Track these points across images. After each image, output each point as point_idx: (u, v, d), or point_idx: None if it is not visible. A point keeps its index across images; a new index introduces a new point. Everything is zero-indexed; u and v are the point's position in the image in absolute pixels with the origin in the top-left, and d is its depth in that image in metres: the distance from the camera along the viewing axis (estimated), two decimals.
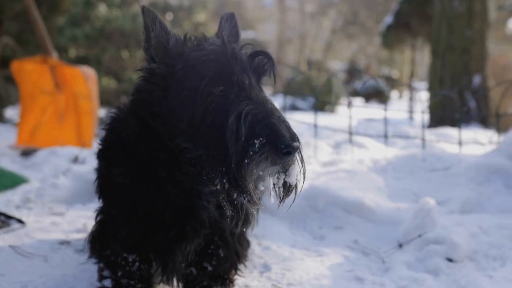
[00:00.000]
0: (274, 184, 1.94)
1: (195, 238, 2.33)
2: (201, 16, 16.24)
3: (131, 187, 2.24)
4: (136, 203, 2.25)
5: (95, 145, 5.99)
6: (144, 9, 2.06)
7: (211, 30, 17.05)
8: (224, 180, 1.88)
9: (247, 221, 2.03)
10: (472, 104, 9.71)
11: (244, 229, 2.06)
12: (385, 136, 4.90)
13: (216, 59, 1.98)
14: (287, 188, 1.97)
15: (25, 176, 4.55)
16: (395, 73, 34.86)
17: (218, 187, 1.95)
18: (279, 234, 3.46)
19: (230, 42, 2.07)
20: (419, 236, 3.22)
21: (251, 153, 1.81)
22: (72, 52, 13.90)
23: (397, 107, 21.51)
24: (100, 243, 2.47)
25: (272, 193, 1.94)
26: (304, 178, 2.00)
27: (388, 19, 19.27)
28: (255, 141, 1.81)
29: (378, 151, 4.75)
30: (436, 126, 9.69)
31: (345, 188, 3.74)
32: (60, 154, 4.89)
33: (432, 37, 10.82)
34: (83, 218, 3.68)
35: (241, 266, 2.58)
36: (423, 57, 28.75)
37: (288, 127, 1.87)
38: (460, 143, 4.79)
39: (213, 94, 1.94)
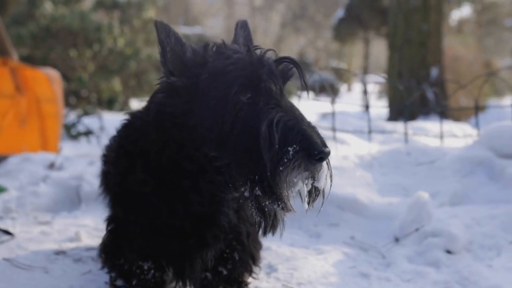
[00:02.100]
0: (304, 190, 1.96)
1: (215, 244, 2.32)
2: (151, 13, 16.08)
3: (151, 195, 2.21)
4: (156, 211, 2.23)
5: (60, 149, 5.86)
6: (157, 24, 2.04)
7: None
8: (257, 188, 1.89)
9: (274, 226, 2.03)
10: (430, 95, 9.92)
11: (272, 234, 2.05)
12: (369, 132, 4.96)
13: (243, 67, 1.97)
14: (316, 193, 2.00)
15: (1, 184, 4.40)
16: (343, 66, 35.34)
17: (246, 194, 1.95)
18: (276, 233, 3.46)
19: (255, 49, 2.06)
20: (417, 230, 3.28)
21: (285, 160, 1.83)
22: (17, 52, 13.58)
23: (348, 100, 21.81)
24: (113, 252, 2.43)
25: (304, 198, 1.96)
26: (331, 181, 2.02)
27: (340, 13, 19.56)
28: (289, 148, 1.83)
29: (361, 147, 4.81)
30: (396, 119, 9.88)
31: (337, 185, 3.76)
32: (34, 161, 4.75)
33: (389, 31, 11.01)
34: (73, 227, 3.59)
35: (255, 269, 2.58)
36: (373, 50, 29.23)
37: (318, 134, 1.91)
38: (441, 136, 4.89)
39: (241, 102, 1.94)
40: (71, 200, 4.16)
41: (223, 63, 1.99)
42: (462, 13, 31.90)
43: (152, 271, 2.37)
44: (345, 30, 19.62)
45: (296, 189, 1.92)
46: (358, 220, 3.63)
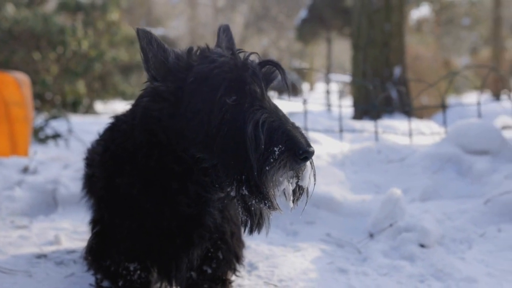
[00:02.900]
0: (289, 188, 2.02)
1: (201, 243, 2.37)
2: (115, 15, 15.96)
3: (138, 197, 2.25)
4: (143, 213, 2.27)
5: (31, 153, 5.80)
6: (139, 31, 2.08)
7: (124, 29, 16.79)
8: (244, 188, 1.94)
9: (260, 224, 2.09)
10: (394, 94, 10.11)
11: (257, 233, 2.11)
12: (340, 131, 5.06)
13: (228, 70, 2.02)
14: (300, 191, 2.06)
15: None
16: (306, 66, 35.54)
17: (232, 193, 2.01)
18: (262, 231, 3.52)
19: (239, 53, 2.12)
20: (391, 225, 3.38)
21: (271, 160, 1.89)
22: None
23: (311, 99, 21.95)
24: (99, 254, 2.45)
25: (289, 197, 2.02)
26: (315, 180, 2.09)
27: (303, 13, 19.68)
28: (275, 148, 1.89)
29: (332, 146, 4.89)
30: (361, 118, 10.03)
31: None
32: (6, 165, 4.71)
33: (353, 31, 11.16)
34: (51, 230, 3.60)
35: (239, 267, 2.63)
36: (335, 49, 29.47)
37: (302, 134, 1.96)
38: (410, 134, 5.02)
39: (227, 104, 1.99)
40: (47, 203, 4.15)
41: (208, 67, 2.04)
42: (420, 12, 32.38)
43: (138, 271, 2.40)
44: (308, 30, 19.78)
45: (282, 188, 1.98)
46: (333, 217, 3.71)
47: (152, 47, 2.09)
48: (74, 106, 14.97)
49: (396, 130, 5.81)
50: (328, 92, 20.16)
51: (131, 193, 2.25)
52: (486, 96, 22.64)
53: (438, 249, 3.20)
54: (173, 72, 2.10)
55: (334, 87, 26.29)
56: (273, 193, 1.94)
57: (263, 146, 1.90)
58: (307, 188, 2.07)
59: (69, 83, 14.10)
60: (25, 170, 4.69)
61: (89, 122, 12.19)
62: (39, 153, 5.99)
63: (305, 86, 34.67)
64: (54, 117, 8.39)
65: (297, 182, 2.02)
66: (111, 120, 2.45)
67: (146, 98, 2.16)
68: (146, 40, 2.08)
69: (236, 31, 34.78)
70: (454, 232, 3.42)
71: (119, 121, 2.39)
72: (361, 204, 3.75)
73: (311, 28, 19.57)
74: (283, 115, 2.02)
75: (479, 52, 33.24)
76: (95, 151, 2.55)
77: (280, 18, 31.96)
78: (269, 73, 2.13)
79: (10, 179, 4.39)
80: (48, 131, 8.09)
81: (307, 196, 2.09)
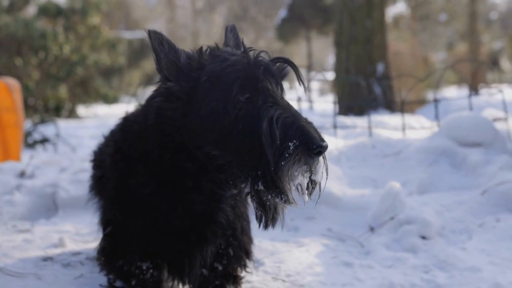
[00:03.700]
0: (304, 182, 2.05)
1: (214, 240, 2.40)
2: (95, 19, 15.91)
3: (151, 197, 2.27)
4: (156, 212, 2.29)
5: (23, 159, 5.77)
6: (150, 33, 2.10)
7: (105, 32, 16.74)
8: (260, 183, 1.97)
9: (274, 219, 2.11)
10: (378, 90, 10.20)
11: (272, 227, 2.15)
12: (334, 127, 5.12)
13: (241, 68, 2.05)
14: (313, 185, 2.08)
15: None
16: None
17: (247, 190, 2.05)
18: (255, 228, 3.56)
19: (250, 51, 2.15)
20: (392, 218, 3.44)
21: (286, 155, 1.92)
22: None
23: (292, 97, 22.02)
24: (112, 254, 2.46)
25: (303, 191, 2.06)
26: (327, 174, 2.11)
27: (283, 13, 19.73)
28: (289, 143, 1.92)
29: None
30: (346, 114, 10.10)
31: None
32: (3, 170, 4.69)
33: (335, 29, 11.22)
34: (54, 233, 3.60)
35: (249, 263, 2.67)
36: (315, 48, 29.58)
37: (315, 129, 2.00)
38: (404, 128, 5.09)
39: (240, 102, 2.01)
40: (47, 207, 4.16)
41: (221, 66, 2.07)
42: (397, 9, 32.60)
43: (151, 270, 2.42)
44: (288, 29, 19.87)
45: (296, 182, 2.01)
46: (333, 212, 3.76)
47: (163, 48, 2.11)
48: (56, 111, 14.89)
49: (387, 125, 5.88)
50: (308, 90, 20.23)
51: (143, 193, 2.27)
52: (465, 90, 22.86)
53: (439, 240, 3.27)
54: (185, 72, 2.12)
55: (315, 85, 26.40)
56: (288, 187, 1.97)
57: (278, 142, 1.92)
58: (320, 182, 2.10)
59: (52, 88, 14.03)
60: (22, 174, 4.69)
61: (73, 126, 12.15)
62: (29, 158, 5.98)
63: (285, 85, 34.62)
64: (42, 121, 8.35)
65: (310, 176, 2.04)
66: (120, 121, 2.47)
67: (158, 98, 2.17)
68: (158, 41, 2.10)
69: (215, 32, 34.81)
70: (453, 223, 3.49)
71: (129, 121, 2.41)
72: (360, 198, 3.80)
73: (291, 27, 19.65)
74: (296, 111, 2.05)
75: (455, 47, 33.58)
76: (104, 153, 2.57)
77: (259, 19, 32.00)
78: (280, 69, 2.16)
79: (8, 184, 4.38)
80: (36, 136, 8.06)
81: (320, 190, 2.12)
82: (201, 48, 2.21)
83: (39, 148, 7.94)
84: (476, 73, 22.50)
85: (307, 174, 2.04)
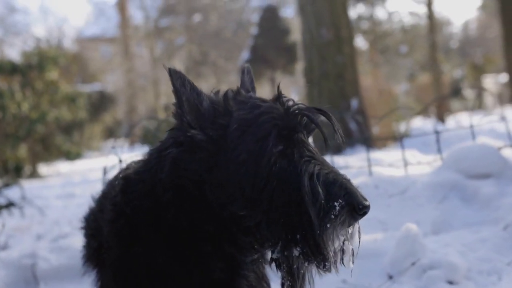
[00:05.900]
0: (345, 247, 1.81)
1: None
2: (53, 74, 15.47)
3: (163, 266, 1.93)
4: (170, 284, 1.94)
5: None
6: (171, 71, 1.82)
7: (63, 87, 16.30)
8: (298, 248, 1.70)
9: (303, 286, 1.83)
10: (353, 126, 9.92)
11: None
12: None
13: (277, 117, 1.78)
14: (352, 250, 1.84)
15: None
16: None
17: (274, 256, 1.78)
18: None
19: (282, 97, 1.87)
20: (413, 264, 3.11)
21: (331, 216, 1.67)
22: None
23: None
24: None
25: (343, 256, 1.81)
26: (360, 237, 1.86)
27: (245, 55, 19.65)
28: (335, 203, 1.68)
29: None
30: (322, 153, 9.79)
31: None
32: None
33: (305, 67, 10.97)
34: None
35: None
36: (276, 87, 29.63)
37: (356, 187, 1.79)
38: (405, 164, 4.78)
39: (275, 155, 1.74)
40: (26, 280, 3.71)
41: (253, 113, 1.79)
42: (357, 43, 33.11)
43: None
44: (252, 71, 19.77)
45: (337, 247, 1.75)
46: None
47: (185, 90, 1.83)
48: (16, 171, 14.28)
49: (381, 162, 5.57)
50: None
51: (155, 261, 1.93)
52: (432, 120, 23.06)
53: (467, 284, 2.98)
54: (210, 119, 1.83)
55: None
56: (332, 253, 1.71)
57: (323, 201, 1.67)
58: (355, 246, 1.84)
59: (11, 148, 13.50)
60: None
61: (37, 186, 11.64)
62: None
63: None
64: (6, 185, 7.84)
65: (344, 240, 1.77)
66: (118, 181, 2.11)
67: (174, 149, 1.85)
68: (180, 81, 1.82)
69: None
70: (479, 263, 3.17)
71: (131, 180, 2.04)
72: (373, 244, 3.46)
73: (255, 69, 19.50)
74: (333, 166, 1.81)
75: (416, 78, 34.06)
76: (99, 219, 2.21)
77: (220, 62, 31.97)
78: (313, 120, 1.87)
79: None
80: (1, 200, 7.53)
81: (353, 255, 1.83)
82: (225, 93, 1.91)
83: (4, 213, 7.40)
84: (440, 103, 22.70)
85: (344, 238, 1.77)
